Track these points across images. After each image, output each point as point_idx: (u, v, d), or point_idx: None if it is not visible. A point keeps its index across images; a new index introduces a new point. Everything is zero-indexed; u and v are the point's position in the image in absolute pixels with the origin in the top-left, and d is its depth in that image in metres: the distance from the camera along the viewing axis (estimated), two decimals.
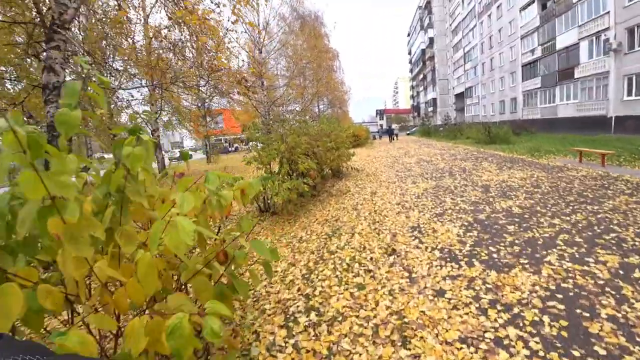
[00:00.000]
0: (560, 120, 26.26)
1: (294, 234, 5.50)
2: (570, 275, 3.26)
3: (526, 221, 4.89)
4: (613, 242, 3.92)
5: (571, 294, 2.94)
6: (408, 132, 55.92)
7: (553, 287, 3.06)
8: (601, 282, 3.09)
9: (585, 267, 3.38)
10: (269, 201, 6.74)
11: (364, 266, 3.88)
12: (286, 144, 6.15)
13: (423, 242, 4.46)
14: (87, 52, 9.78)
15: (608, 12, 20.94)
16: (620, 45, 20.09)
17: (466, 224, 5.03)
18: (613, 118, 21.01)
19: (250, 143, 6.59)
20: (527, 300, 2.89)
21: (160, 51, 10.69)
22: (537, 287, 3.08)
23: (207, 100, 24.14)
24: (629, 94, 19.74)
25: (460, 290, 3.15)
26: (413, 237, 4.67)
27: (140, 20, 12.16)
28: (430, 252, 4.11)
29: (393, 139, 35.52)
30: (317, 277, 3.74)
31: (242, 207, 7.52)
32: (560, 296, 2.91)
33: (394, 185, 8.65)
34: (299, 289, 3.54)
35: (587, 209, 5.22)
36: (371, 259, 4.07)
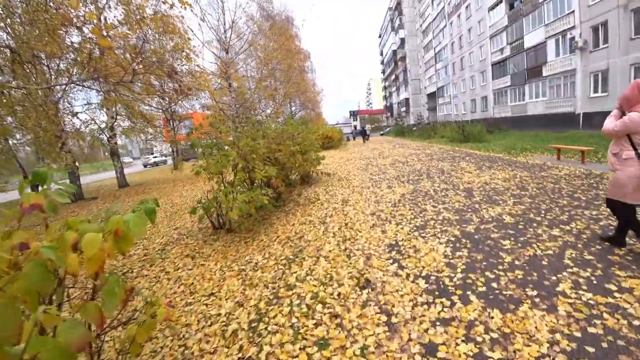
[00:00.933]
0: (530, 118, 26.59)
1: (250, 257, 4.51)
2: (595, 312, 2.47)
3: (522, 233, 4.14)
4: (629, 258, 3.21)
5: (604, 345, 2.15)
6: (382, 133, 55.92)
7: (578, 334, 2.27)
8: (637, 322, 2.32)
9: (610, 299, 2.62)
10: (223, 216, 5.72)
11: (328, 308, 2.96)
12: (239, 150, 5.17)
13: (404, 266, 3.60)
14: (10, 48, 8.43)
15: (573, 11, 21.23)
16: (585, 44, 20.36)
17: (453, 239, 4.22)
18: (581, 115, 21.31)
19: (199, 150, 5.53)
20: (550, 358, 2.08)
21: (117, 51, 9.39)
22: (557, 335, 2.27)
23: (172, 104, 22.55)
24: (595, 90, 20.03)
25: (457, 345, 2.30)
26: (391, 260, 3.80)
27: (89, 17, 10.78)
28: (413, 281, 3.25)
29: (366, 139, 35.43)
30: (266, 328, 2.78)
31: (194, 224, 6.49)
32: (591, 349, 2.12)
33: (368, 190, 7.83)
34: (240, 348, 2.58)
35: (585, 215, 4.56)
36: (339, 295, 3.16)
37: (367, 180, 9.21)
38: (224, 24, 20.86)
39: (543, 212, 4.88)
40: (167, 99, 19.80)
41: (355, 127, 61.48)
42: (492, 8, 30.96)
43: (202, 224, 6.16)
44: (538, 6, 24.57)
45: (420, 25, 53.28)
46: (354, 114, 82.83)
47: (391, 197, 6.80)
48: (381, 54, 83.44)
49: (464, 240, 4.13)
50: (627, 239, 3.51)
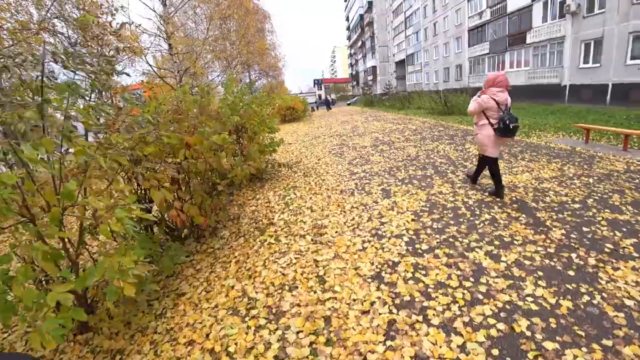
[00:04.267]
0: (511, 89, 24.62)
1: None
2: None
3: None
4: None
5: None
6: (349, 102, 52.72)
7: None
8: None
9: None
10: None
11: None
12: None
13: None
14: None
15: None
16: (578, 8, 18.17)
17: None
18: (567, 86, 19.55)
19: None
20: None
21: None
22: None
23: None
24: (586, 61, 18.12)
25: None
26: None
27: None
28: None
29: (329, 109, 35.37)
30: None
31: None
32: None
33: (353, 201, 4.85)
34: None
35: None
36: None
37: (346, 176, 6.23)
38: None
39: None
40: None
41: (319, 96, 57.88)
42: None
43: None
44: None
45: None
46: (318, 83, 78.60)
47: (399, 222, 3.88)
48: (347, 19, 78.54)
49: None
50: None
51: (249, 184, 6.27)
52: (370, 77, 60.60)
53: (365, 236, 3.62)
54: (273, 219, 4.44)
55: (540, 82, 21.72)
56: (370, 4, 56.40)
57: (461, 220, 3.79)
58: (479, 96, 4.32)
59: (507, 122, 4.03)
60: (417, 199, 4.58)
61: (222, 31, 20.75)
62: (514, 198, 4.35)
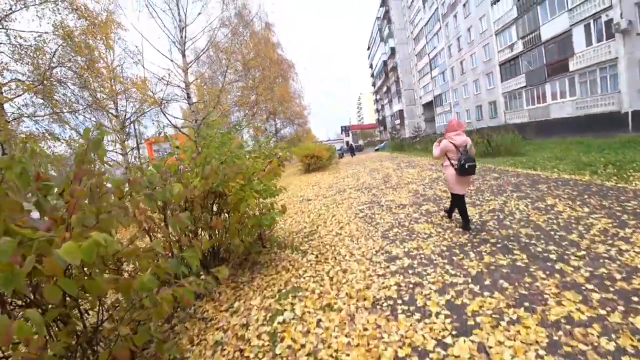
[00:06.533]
0: (555, 122, 22.10)
1: None
2: None
3: None
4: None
5: None
6: (377, 148, 51.10)
7: None
8: None
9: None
10: None
11: None
12: None
13: None
14: None
15: None
16: (630, 25, 16.05)
17: None
18: (630, 113, 16.80)
19: None
20: None
21: None
22: None
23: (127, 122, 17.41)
24: None
25: None
26: None
27: None
28: None
29: (354, 154, 36.82)
30: None
31: None
32: None
33: (395, 330, 2.69)
34: None
35: None
36: None
37: (380, 264, 4.01)
38: (179, 19, 16.18)
39: None
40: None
41: (347, 142, 57.28)
42: (495, 1, 26.93)
43: None
44: None
45: (412, 32, 49.56)
46: (345, 130, 78.88)
47: None
48: (371, 66, 79.96)
49: None
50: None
51: (235, 272, 4.27)
52: (397, 121, 59.43)
53: None
54: None
55: (592, 111, 19.10)
56: (392, 49, 56.83)
57: None
58: (439, 142, 4.80)
59: (463, 162, 4.39)
60: (528, 332, 2.35)
61: (247, 80, 20.27)
62: None
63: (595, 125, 18.46)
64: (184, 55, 16.52)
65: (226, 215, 4.11)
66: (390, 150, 36.33)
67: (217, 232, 3.89)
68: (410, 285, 3.35)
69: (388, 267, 3.90)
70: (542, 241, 3.99)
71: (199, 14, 16.48)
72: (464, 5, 31.91)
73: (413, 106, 55.07)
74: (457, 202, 4.82)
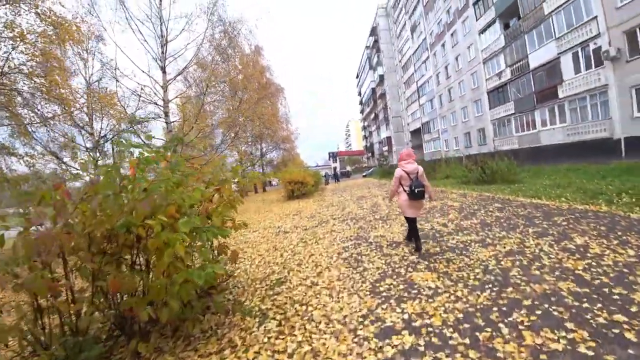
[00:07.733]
0: (546, 149, 21.67)
1: None
2: None
3: None
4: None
5: None
6: (364, 174, 50.48)
7: None
8: None
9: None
10: None
11: None
12: None
13: None
14: None
15: (595, 17, 16.96)
16: (619, 52, 15.88)
17: None
18: (622, 140, 16.32)
19: None
20: None
21: None
22: None
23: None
24: None
25: None
26: None
27: None
28: None
29: (338, 181, 39.16)
30: None
31: None
32: None
33: None
34: None
35: None
36: None
37: (369, 343, 2.75)
38: (161, 36, 15.31)
39: None
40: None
41: (334, 168, 56.69)
42: (483, 31, 27.16)
43: None
44: (544, 19, 20.46)
45: (400, 61, 50.21)
46: (333, 156, 78.52)
47: None
48: (359, 94, 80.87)
49: None
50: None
51: (165, 342, 2.93)
52: (385, 148, 59.20)
53: None
54: None
55: (583, 138, 18.69)
56: (381, 77, 57.44)
57: None
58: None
59: (414, 187, 4.82)
60: None
61: (234, 102, 19.28)
62: None
63: (586, 151, 17.99)
64: (164, 72, 15.55)
65: (144, 267, 2.82)
66: (379, 176, 35.46)
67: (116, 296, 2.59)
68: None
69: (381, 349, 2.60)
70: (599, 304, 2.80)
71: (182, 30, 15.63)
72: (452, 35, 32.27)
73: (401, 133, 55.02)
74: (409, 224, 5.33)
